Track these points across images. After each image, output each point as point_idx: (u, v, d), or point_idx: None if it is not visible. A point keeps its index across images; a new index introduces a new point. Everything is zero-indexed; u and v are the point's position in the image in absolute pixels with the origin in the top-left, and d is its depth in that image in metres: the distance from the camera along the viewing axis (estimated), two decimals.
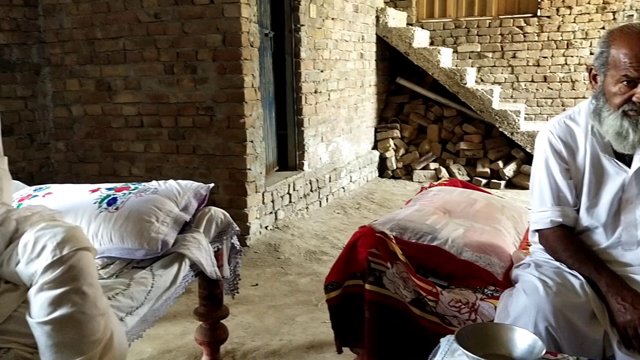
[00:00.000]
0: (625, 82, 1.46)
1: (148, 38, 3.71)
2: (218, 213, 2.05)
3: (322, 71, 4.63)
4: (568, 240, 1.58)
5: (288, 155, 4.50)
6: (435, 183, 2.70)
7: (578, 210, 1.62)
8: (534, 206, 1.68)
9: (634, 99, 1.46)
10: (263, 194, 3.87)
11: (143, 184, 2.04)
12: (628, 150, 1.52)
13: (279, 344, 2.43)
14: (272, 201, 3.99)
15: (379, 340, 1.68)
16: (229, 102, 3.60)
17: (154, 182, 2.05)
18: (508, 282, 1.73)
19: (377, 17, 5.68)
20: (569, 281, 1.48)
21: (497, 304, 1.60)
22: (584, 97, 5.50)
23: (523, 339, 1.24)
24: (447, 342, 1.35)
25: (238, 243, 2.16)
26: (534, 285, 1.45)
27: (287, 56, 4.33)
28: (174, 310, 2.73)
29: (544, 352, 1.19)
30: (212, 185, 2.08)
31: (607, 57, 1.50)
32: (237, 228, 2.13)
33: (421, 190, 2.56)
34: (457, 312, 1.64)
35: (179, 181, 2.04)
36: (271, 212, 3.99)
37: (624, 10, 5.60)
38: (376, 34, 5.67)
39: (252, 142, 3.68)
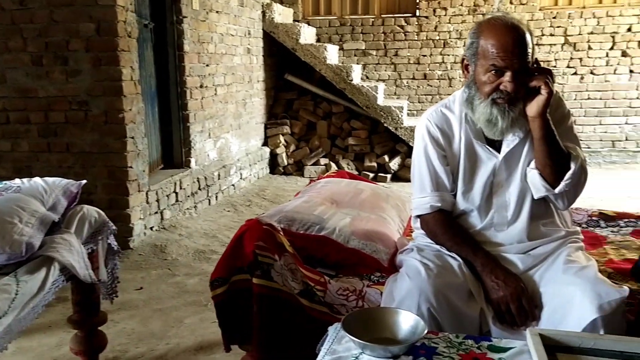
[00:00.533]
0: (493, 72, 1.52)
1: (13, 27, 3.38)
2: (91, 211, 1.90)
3: (207, 65, 4.50)
4: (447, 224, 1.64)
5: (173, 152, 4.32)
6: (324, 175, 2.71)
7: (455, 195, 1.68)
8: (415, 193, 1.72)
9: (501, 87, 1.52)
10: (147, 193, 3.68)
11: (4, 182, 1.84)
12: (498, 136, 1.59)
13: (165, 348, 2.31)
14: (157, 200, 3.81)
15: (268, 334, 1.64)
16: (106, 95, 3.37)
17: (17, 180, 1.85)
18: (393, 267, 1.76)
19: (264, 13, 5.64)
20: (448, 263, 1.54)
21: (382, 289, 1.62)
22: None
23: (406, 321, 1.26)
24: (334, 330, 1.34)
25: (115, 243, 2.02)
26: (416, 268, 1.50)
27: (169, 49, 4.15)
28: (48, 320, 2.51)
29: (425, 332, 1.21)
30: (84, 182, 1.93)
31: (477, 48, 1.55)
32: (114, 227, 1.98)
33: (310, 183, 2.56)
34: (344, 300, 1.65)
35: (46, 178, 1.87)
36: (156, 212, 3.81)
37: (492, 12, 6.02)
38: (263, 30, 5.63)
39: (132, 138, 3.49)
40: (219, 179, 4.69)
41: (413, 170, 1.75)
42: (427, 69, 6.30)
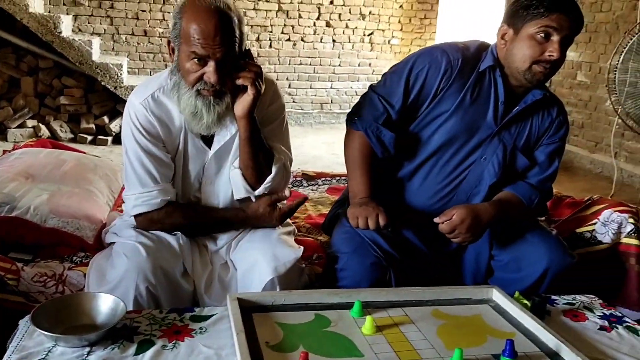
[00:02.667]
0: (195, 59, 1.38)
1: None
2: None
3: None
4: (182, 209, 1.54)
5: None
6: (21, 145, 2.40)
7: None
8: (133, 188, 1.51)
9: (204, 78, 1.39)
10: None
11: None
12: (204, 131, 1.48)
13: None
14: None
15: None
16: None
17: None
18: (99, 244, 1.67)
19: None
20: (165, 238, 1.50)
21: (87, 270, 1.52)
22: None
23: (105, 304, 1.21)
24: (24, 324, 1.21)
25: None
26: (134, 247, 1.42)
27: None
28: None
29: (124, 312, 1.18)
30: None
31: (180, 30, 1.40)
32: None
33: (3, 154, 2.24)
34: (42, 287, 1.50)
35: None
36: None
37: None
38: None
39: None
40: None
41: (128, 164, 1.52)
42: (148, 25, 6.02)
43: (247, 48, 1.48)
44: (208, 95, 1.42)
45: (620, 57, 3.50)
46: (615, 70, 3.49)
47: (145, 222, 1.51)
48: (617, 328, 1.37)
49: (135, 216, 1.52)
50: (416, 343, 1.24)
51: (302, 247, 1.56)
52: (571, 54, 5.15)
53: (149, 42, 6.07)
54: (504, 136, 1.67)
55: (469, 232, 1.58)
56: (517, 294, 1.44)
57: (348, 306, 1.35)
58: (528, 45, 1.54)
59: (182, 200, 1.57)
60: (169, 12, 6.04)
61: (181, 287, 1.46)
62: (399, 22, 6.62)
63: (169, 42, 1.47)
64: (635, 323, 1.40)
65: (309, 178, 2.60)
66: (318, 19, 6.39)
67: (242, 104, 1.44)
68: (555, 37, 1.52)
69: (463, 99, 1.63)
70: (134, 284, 1.36)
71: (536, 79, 1.58)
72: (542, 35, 1.52)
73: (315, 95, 6.56)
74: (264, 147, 1.51)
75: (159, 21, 6.06)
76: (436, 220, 1.61)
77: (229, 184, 1.57)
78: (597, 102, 4.81)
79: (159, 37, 6.08)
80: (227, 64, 1.40)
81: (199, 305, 1.47)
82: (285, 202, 1.64)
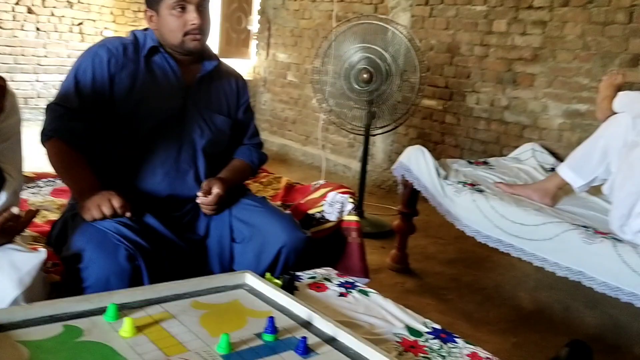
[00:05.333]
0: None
1: None
2: None
3: None
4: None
5: None
6: None
7: None
8: None
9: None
10: None
11: None
12: None
13: None
14: None
15: None
16: None
17: None
18: None
19: None
20: None
21: None
22: None
23: None
24: None
25: None
26: None
27: None
28: None
29: None
30: None
31: None
32: None
33: None
34: None
35: None
36: None
37: None
38: None
39: None
40: None
41: None
42: None
43: None
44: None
45: (320, 61, 3.98)
46: (318, 72, 3.95)
47: None
48: (352, 293, 1.57)
49: None
50: (181, 336, 1.21)
51: (44, 249, 1.37)
52: (282, 56, 5.63)
53: None
54: (197, 105, 1.81)
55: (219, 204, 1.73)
56: (268, 275, 1.52)
57: (101, 311, 1.24)
58: (170, 21, 1.71)
59: None
60: None
61: None
62: (111, 13, 6.27)
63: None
64: (365, 286, 1.63)
65: (28, 180, 2.28)
66: (17, 4, 5.63)
67: None
68: (190, 7, 1.70)
69: (144, 80, 1.72)
70: None
71: (194, 48, 1.76)
72: (179, 9, 1.70)
73: (18, 89, 5.76)
74: None
75: None
76: (199, 198, 1.70)
77: None
78: (306, 100, 5.37)
79: None
80: None
81: None
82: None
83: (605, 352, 2.19)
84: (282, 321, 1.31)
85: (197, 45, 1.74)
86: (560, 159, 2.92)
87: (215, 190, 1.73)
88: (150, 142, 1.74)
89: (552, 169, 2.79)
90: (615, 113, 2.38)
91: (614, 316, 2.46)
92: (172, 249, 1.67)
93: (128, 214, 1.56)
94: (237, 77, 1.96)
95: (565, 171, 2.46)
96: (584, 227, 2.16)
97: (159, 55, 1.78)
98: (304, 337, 1.20)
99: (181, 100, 1.79)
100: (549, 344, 2.18)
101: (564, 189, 2.50)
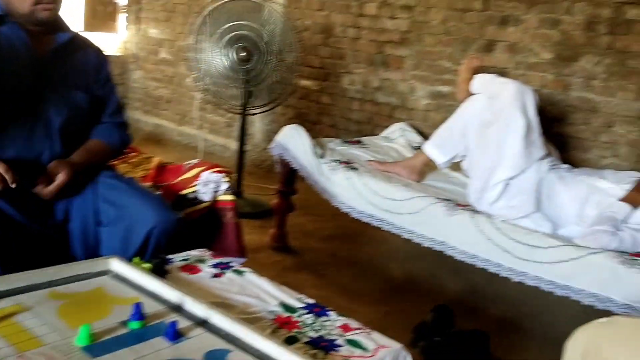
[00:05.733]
0: None
1: None
2: None
3: None
4: None
5: None
6: None
7: None
8: None
9: None
10: None
11: None
12: None
13: None
14: None
15: None
16: None
17: None
18: None
19: None
20: None
21: None
22: None
23: None
24: None
25: None
26: None
27: None
28: None
29: None
30: None
31: None
32: None
33: None
34: None
35: None
36: None
37: None
38: None
39: None
40: None
41: None
42: None
43: None
44: None
45: (195, 37, 3.84)
46: (192, 49, 3.82)
47: None
48: (226, 273, 1.55)
49: None
50: (36, 330, 1.12)
51: None
52: (153, 31, 5.37)
53: None
54: (52, 80, 1.69)
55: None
56: (136, 259, 1.46)
57: None
58: None
59: None
60: None
61: None
62: None
63: None
64: (241, 266, 1.61)
65: None
66: None
67: None
68: None
69: None
70: None
71: (46, 18, 1.64)
72: None
73: None
74: None
75: None
76: (38, 188, 1.56)
77: None
78: (181, 78, 5.18)
79: None
80: None
81: None
82: None
83: (465, 314, 2.38)
84: (151, 307, 1.26)
85: (49, 15, 1.62)
86: (426, 137, 3.09)
87: (60, 178, 1.60)
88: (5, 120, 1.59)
89: (419, 147, 2.95)
90: (473, 94, 2.57)
91: (472, 281, 2.67)
92: (23, 234, 1.54)
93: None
94: (97, 51, 1.85)
95: (429, 149, 2.61)
96: (447, 200, 2.32)
97: (7, 26, 1.62)
98: (174, 322, 1.16)
99: (33, 75, 1.65)
100: (417, 311, 2.32)
101: (429, 166, 2.66)
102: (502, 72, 3.00)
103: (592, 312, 1.85)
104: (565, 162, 2.55)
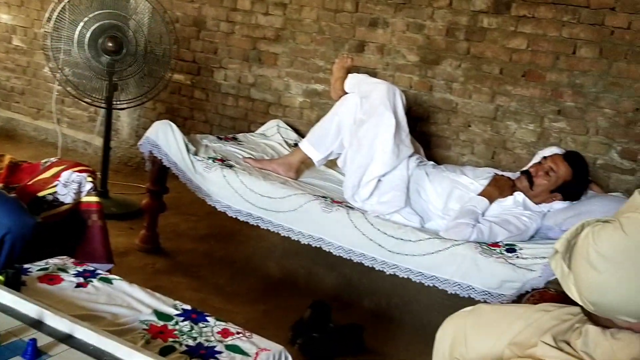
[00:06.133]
0: None
1: None
2: None
3: None
4: None
5: None
6: None
7: None
8: None
9: None
10: None
11: None
12: None
13: None
14: None
15: None
16: None
17: None
18: None
19: None
20: None
21: None
22: None
23: None
24: None
25: None
26: None
27: None
28: None
29: None
30: None
31: None
32: None
33: None
34: None
35: None
36: None
37: None
38: None
39: None
40: None
41: None
42: None
43: None
44: None
45: (52, 25, 3.53)
46: (50, 38, 3.50)
47: None
48: (92, 282, 1.43)
49: None
50: None
51: None
52: (5, 17, 4.85)
53: None
54: None
55: None
56: None
57: None
58: None
59: None
60: None
61: None
62: None
63: None
64: (108, 273, 1.50)
65: None
66: None
67: None
68: None
69: None
70: None
71: None
72: None
73: None
74: None
75: None
76: None
77: None
78: (36, 68, 4.73)
79: None
80: None
81: None
82: None
83: (342, 307, 2.44)
84: (5, 324, 1.13)
85: None
86: (302, 135, 3.11)
87: None
88: None
89: (295, 144, 2.96)
90: (346, 93, 2.63)
91: (348, 275, 2.75)
92: None
93: None
94: None
95: (306, 146, 2.63)
96: (323, 197, 2.35)
97: None
98: (33, 339, 1.05)
99: None
100: (295, 307, 2.33)
101: (306, 163, 2.68)
102: (373, 73, 3.11)
103: (457, 300, 1.98)
104: (429, 160, 2.71)
